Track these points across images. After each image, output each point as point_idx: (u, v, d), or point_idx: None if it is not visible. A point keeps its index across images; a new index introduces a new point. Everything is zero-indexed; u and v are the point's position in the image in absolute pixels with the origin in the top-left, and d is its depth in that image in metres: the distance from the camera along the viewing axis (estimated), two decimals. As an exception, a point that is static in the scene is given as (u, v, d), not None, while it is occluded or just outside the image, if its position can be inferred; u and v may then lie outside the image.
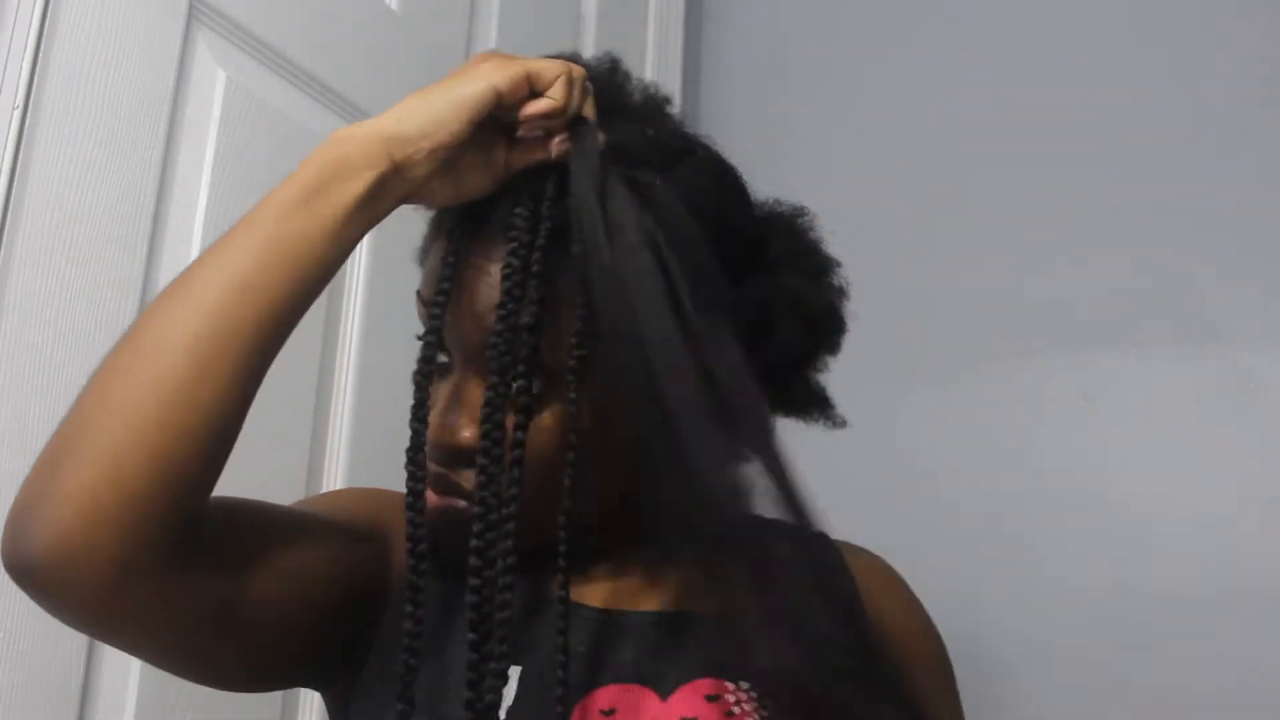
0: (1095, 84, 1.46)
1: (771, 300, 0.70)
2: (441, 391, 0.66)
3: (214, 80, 1.01)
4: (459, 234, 0.65)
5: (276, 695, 1.00)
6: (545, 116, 0.62)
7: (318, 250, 0.58)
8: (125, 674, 0.88)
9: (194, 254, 0.96)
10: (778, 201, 0.75)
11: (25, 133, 0.84)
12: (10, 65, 0.84)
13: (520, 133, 0.63)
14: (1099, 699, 1.25)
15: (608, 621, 0.67)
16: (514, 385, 0.60)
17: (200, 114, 0.99)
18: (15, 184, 0.83)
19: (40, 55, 0.85)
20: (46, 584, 0.52)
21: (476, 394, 0.63)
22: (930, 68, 1.57)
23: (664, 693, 0.65)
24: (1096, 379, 1.35)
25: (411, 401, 0.62)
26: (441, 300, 0.64)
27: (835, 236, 0.76)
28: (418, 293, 0.68)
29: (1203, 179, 1.36)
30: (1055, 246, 1.42)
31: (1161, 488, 1.30)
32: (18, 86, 0.84)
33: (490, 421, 0.59)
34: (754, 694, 0.64)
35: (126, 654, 0.87)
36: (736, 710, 0.64)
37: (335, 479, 1.08)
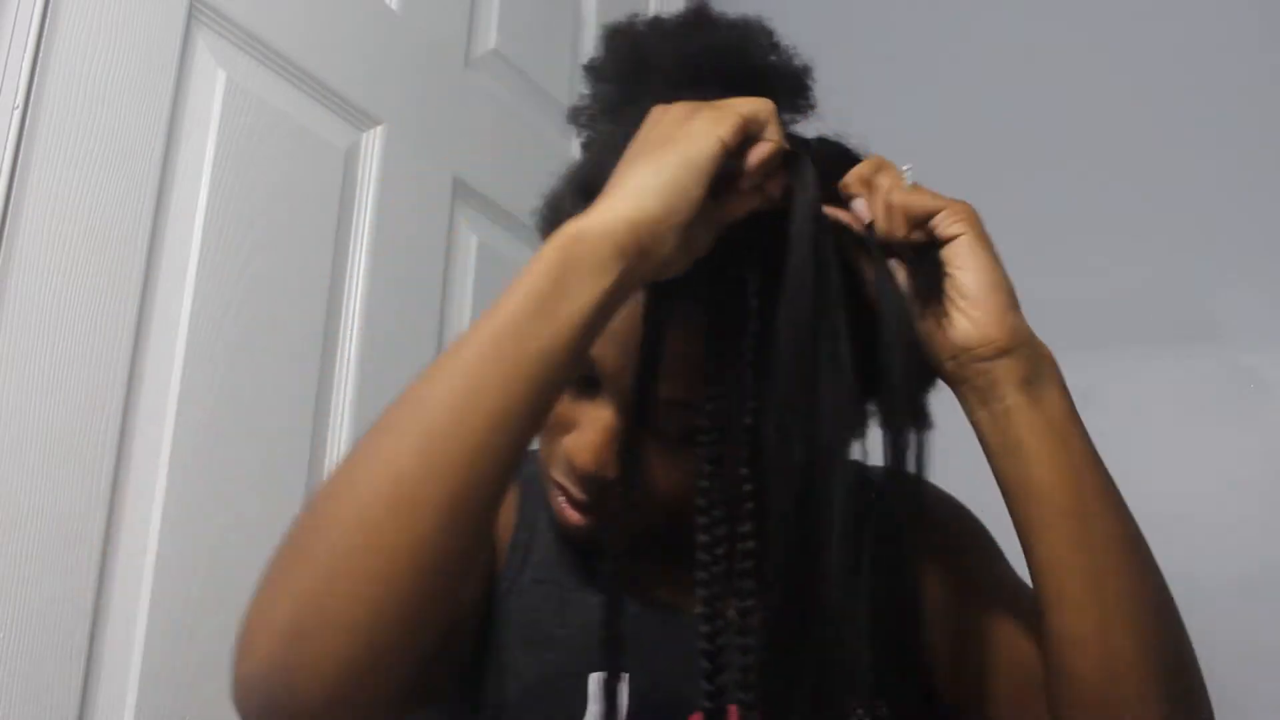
0: (1096, 84, 1.46)
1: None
2: (586, 413, 0.65)
3: (214, 80, 1.01)
4: (665, 292, 0.61)
5: (276, 695, 1.00)
6: (768, 161, 0.60)
7: (562, 367, 0.53)
8: (125, 674, 0.88)
9: (194, 254, 0.96)
10: None
11: (25, 133, 0.84)
12: (10, 65, 0.84)
13: (744, 185, 0.60)
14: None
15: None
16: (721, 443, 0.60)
17: (200, 114, 0.99)
18: (15, 184, 0.83)
19: (40, 55, 0.85)
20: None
21: (618, 427, 0.64)
22: (930, 68, 1.57)
23: None
24: (1096, 379, 1.35)
25: None
26: (649, 359, 0.61)
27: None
28: (592, 354, 0.64)
29: (1203, 179, 1.36)
30: (1055, 246, 1.42)
31: (1161, 488, 1.30)
32: (18, 86, 0.84)
33: (629, 464, 0.61)
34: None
35: (126, 653, 0.88)
36: None
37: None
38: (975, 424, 0.64)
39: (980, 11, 1.57)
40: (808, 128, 0.74)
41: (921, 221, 0.65)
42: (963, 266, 0.64)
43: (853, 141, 0.73)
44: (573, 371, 0.55)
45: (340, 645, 0.48)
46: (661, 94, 0.63)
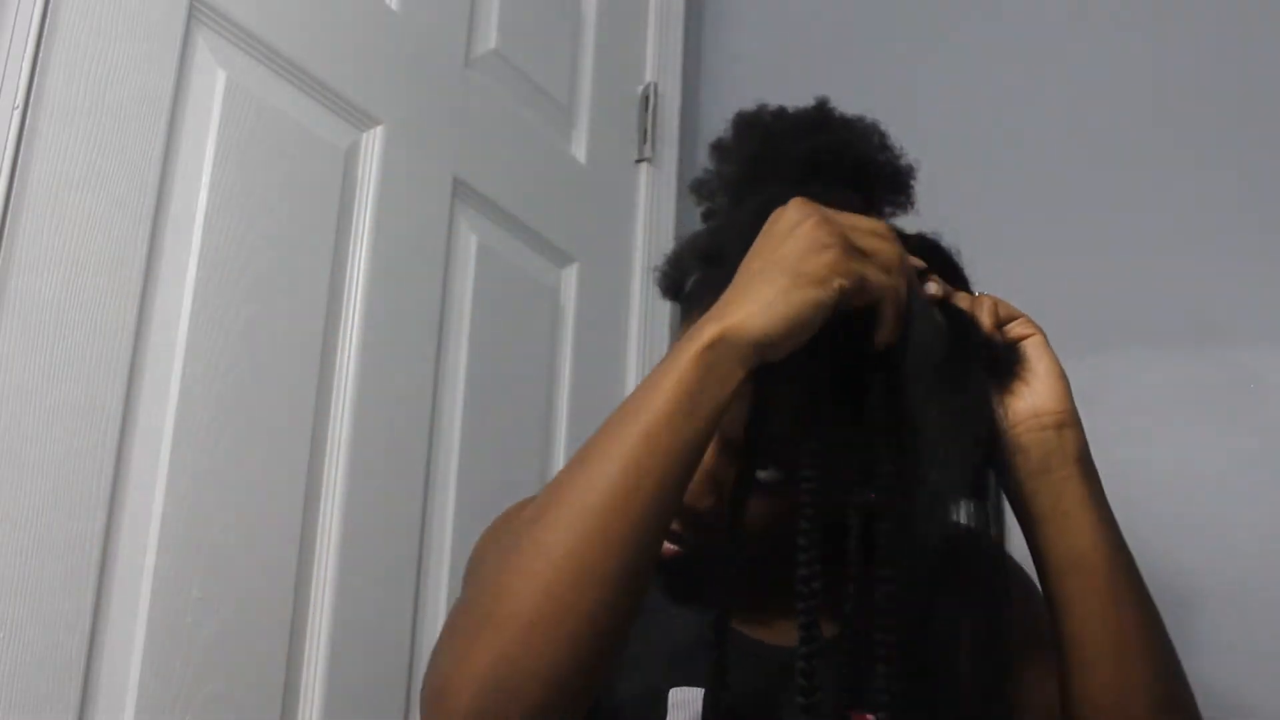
0: (1096, 84, 1.46)
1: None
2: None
3: (214, 80, 1.01)
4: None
5: (276, 696, 1.00)
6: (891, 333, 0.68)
7: (698, 455, 0.63)
8: (125, 674, 0.88)
9: (194, 254, 0.96)
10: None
11: (25, 133, 0.84)
12: (10, 65, 0.84)
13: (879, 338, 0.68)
14: (1099, 699, 1.24)
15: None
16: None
17: (200, 114, 0.99)
18: (15, 184, 0.83)
19: (40, 55, 0.85)
20: None
21: (715, 465, 0.72)
22: (931, 68, 1.57)
23: None
24: (1097, 379, 1.35)
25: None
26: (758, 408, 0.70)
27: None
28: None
29: (1204, 179, 1.36)
30: (1056, 246, 1.42)
31: (1161, 488, 1.30)
32: (18, 86, 0.84)
33: (807, 532, 0.66)
34: None
35: (126, 653, 0.88)
36: None
37: (335, 479, 1.08)
38: (1025, 492, 0.72)
39: (981, 11, 1.56)
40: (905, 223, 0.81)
41: (1004, 322, 0.76)
42: (1034, 357, 0.75)
43: (946, 240, 0.82)
44: (701, 458, 0.64)
45: (535, 694, 0.59)
46: (783, 182, 0.72)
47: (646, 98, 1.64)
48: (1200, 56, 1.41)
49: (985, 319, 0.74)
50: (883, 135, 0.82)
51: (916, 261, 0.71)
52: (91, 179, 0.88)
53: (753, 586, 0.75)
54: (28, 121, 0.84)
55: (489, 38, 1.36)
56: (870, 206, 0.77)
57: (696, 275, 0.78)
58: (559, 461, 1.39)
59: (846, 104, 1.69)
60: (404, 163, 1.21)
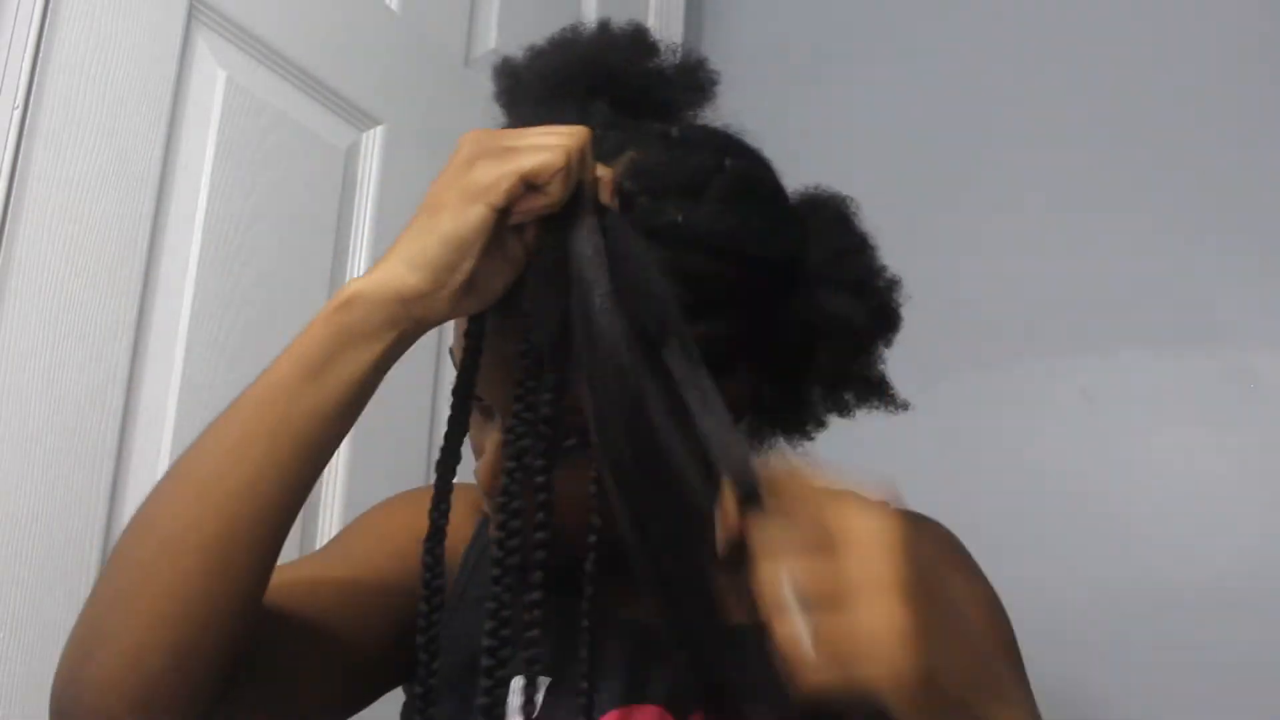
0: (1096, 83, 1.46)
1: (815, 321, 0.68)
2: (488, 437, 0.65)
3: (214, 80, 1.01)
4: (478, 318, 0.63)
5: (276, 695, 1.00)
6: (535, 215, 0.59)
7: (332, 425, 0.57)
8: (125, 674, 0.88)
9: (194, 254, 0.96)
10: (816, 192, 0.73)
11: (25, 133, 0.84)
12: (10, 65, 0.84)
13: (512, 221, 0.59)
14: (1096, 696, 1.24)
15: (649, 632, 0.66)
16: (526, 441, 0.59)
17: (200, 114, 0.99)
18: (15, 184, 0.83)
19: (40, 55, 0.85)
20: None
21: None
22: (930, 66, 1.57)
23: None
24: (1096, 379, 1.35)
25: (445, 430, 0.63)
26: (469, 366, 0.63)
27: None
28: (450, 350, 0.67)
29: (1204, 178, 1.36)
30: (1056, 246, 1.42)
31: (1161, 487, 1.30)
32: (18, 86, 0.84)
33: (509, 473, 0.58)
34: None
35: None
36: None
37: (336, 479, 1.08)
38: None
39: (982, 8, 1.56)
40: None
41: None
42: None
43: (735, 132, 0.71)
44: (345, 427, 0.58)
45: (113, 668, 0.54)
46: (530, 115, 0.66)
47: (646, 98, 1.64)
48: (1200, 56, 1.41)
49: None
50: (645, 38, 0.73)
51: (603, 170, 0.61)
52: (91, 179, 0.88)
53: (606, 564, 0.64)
54: (28, 121, 0.84)
55: (489, 38, 1.37)
56: (642, 112, 0.69)
57: None
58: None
59: (846, 101, 1.69)
60: (404, 163, 1.21)
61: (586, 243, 0.57)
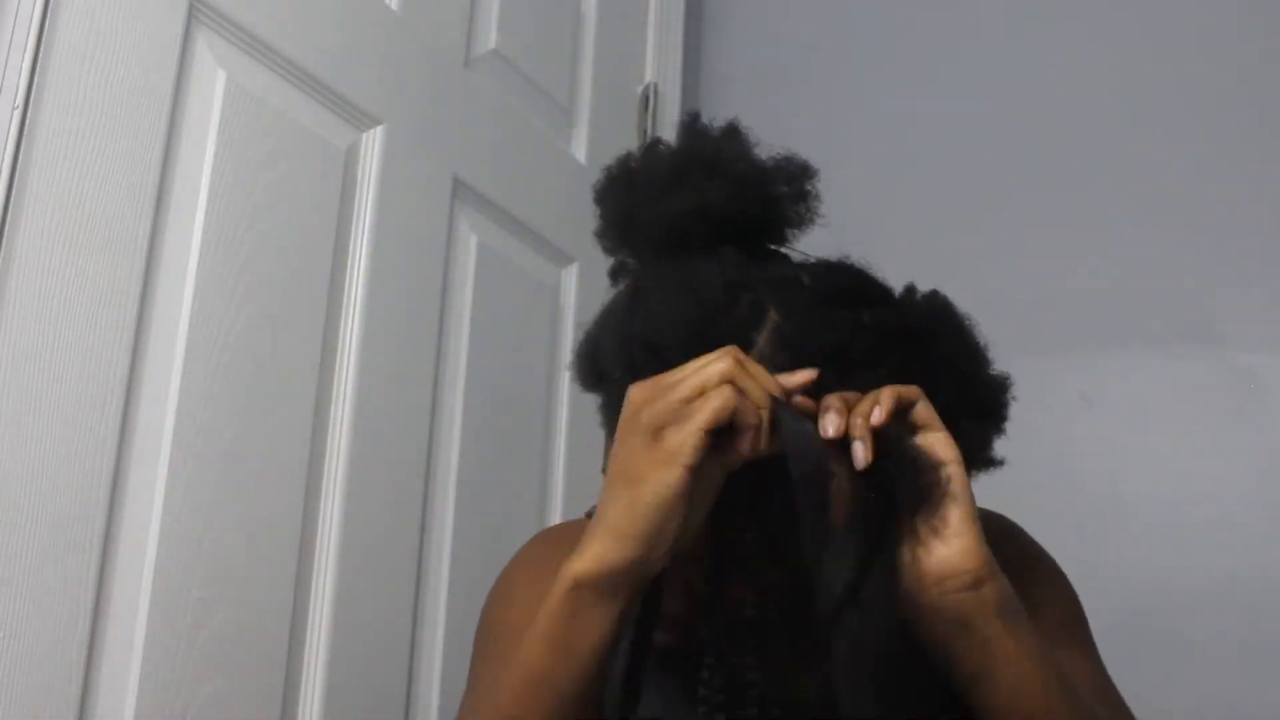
0: (1096, 84, 1.46)
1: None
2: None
3: (214, 80, 1.01)
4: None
5: (276, 695, 1.00)
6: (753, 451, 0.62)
7: (584, 685, 0.64)
8: (125, 674, 0.88)
9: (194, 254, 0.96)
10: (922, 307, 0.75)
11: (25, 133, 0.84)
12: (10, 65, 0.84)
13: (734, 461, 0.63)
14: (1099, 699, 1.24)
15: None
16: None
17: (200, 114, 0.99)
18: (15, 184, 0.83)
19: (40, 55, 0.85)
20: None
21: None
22: (931, 68, 1.57)
23: None
24: (1096, 379, 1.35)
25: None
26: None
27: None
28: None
29: (1204, 179, 1.36)
30: (1056, 246, 1.42)
31: (1161, 488, 1.30)
32: (18, 86, 0.84)
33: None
34: None
35: (126, 654, 0.88)
36: None
37: (335, 479, 1.08)
38: (950, 654, 0.65)
39: (982, 10, 1.56)
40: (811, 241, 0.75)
41: (904, 410, 0.65)
42: (948, 500, 0.64)
43: (852, 258, 0.73)
44: (602, 682, 0.65)
45: None
46: (649, 250, 0.70)
47: (646, 98, 1.64)
48: (1203, 56, 1.41)
49: (881, 412, 0.63)
50: (749, 162, 0.73)
51: (788, 380, 0.64)
52: (91, 179, 0.88)
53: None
54: (28, 121, 0.84)
55: (489, 38, 1.36)
56: (757, 246, 0.72)
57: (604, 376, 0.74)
58: (559, 464, 1.39)
59: (847, 102, 1.69)
60: (404, 163, 1.21)
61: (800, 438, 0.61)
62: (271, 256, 1.04)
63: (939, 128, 1.53)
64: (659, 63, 1.67)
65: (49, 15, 0.86)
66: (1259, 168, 1.34)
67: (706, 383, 0.61)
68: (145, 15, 0.94)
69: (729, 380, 0.61)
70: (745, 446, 0.61)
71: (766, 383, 0.62)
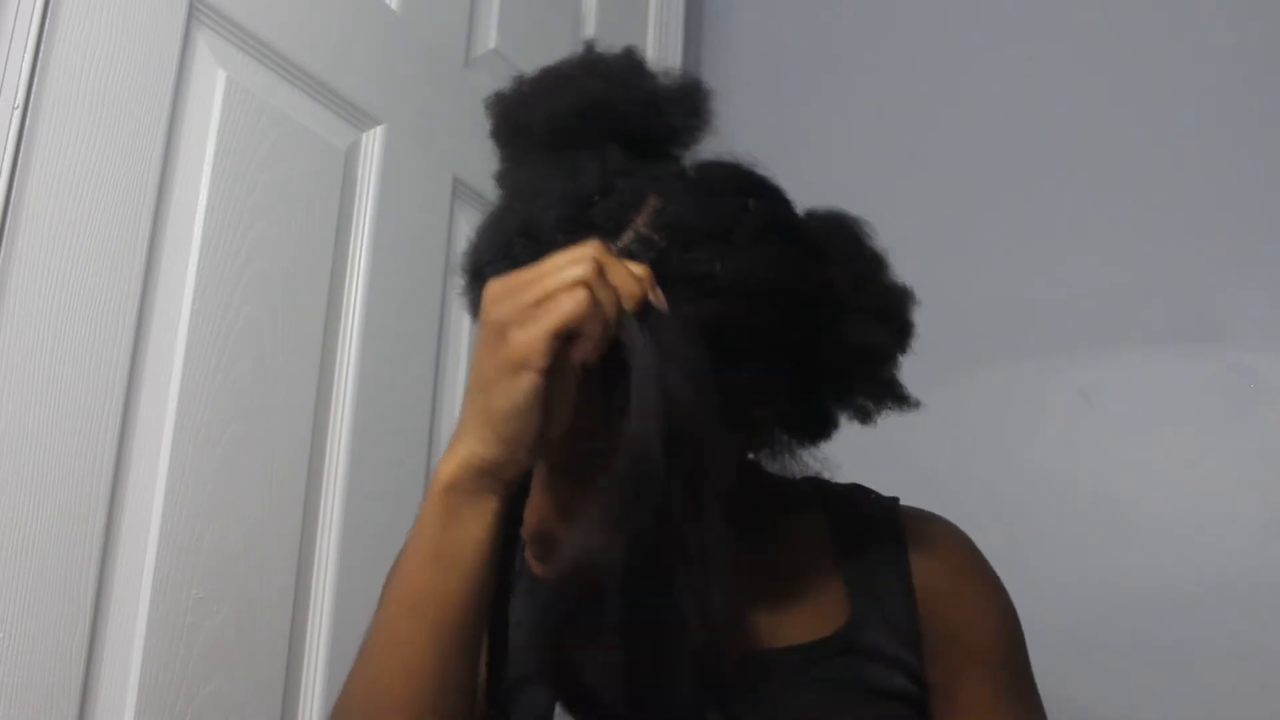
0: (1095, 84, 1.46)
1: (846, 349, 0.70)
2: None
3: (214, 80, 1.01)
4: None
5: (276, 695, 1.00)
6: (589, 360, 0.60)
7: (477, 581, 0.62)
8: (125, 674, 0.88)
9: (194, 254, 0.97)
10: (830, 215, 0.74)
11: (25, 133, 0.84)
12: (10, 65, 0.84)
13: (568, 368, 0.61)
14: (1097, 698, 1.24)
15: None
16: None
17: (200, 114, 0.99)
18: (15, 184, 0.83)
19: (40, 55, 0.85)
20: None
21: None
22: (930, 69, 1.57)
23: None
24: (1096, 379, 1.35)
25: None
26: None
27: (835, 236, 0.76)
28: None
29: (1204, 179, 1.36)
30: (1055, 246, 1.42)
31: (1161, 488, 1.30)
32: (18, 86, 0.84)
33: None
34: None
35: (126, 653, 0.88)
36: None
37: (335, 478, 1.08)
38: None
39: (982, 12, 1.56)
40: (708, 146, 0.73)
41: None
42: None
43: (735, 157, 0.71)
44: (492, 575, 0.63)
45: None
46: (540, 164, 0.68)
47: (646, 98, 1.64)
48: (1203, 56, 1.41)
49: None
50: (641, 70, 0.73)
51: (636, 268, 0.61)
52: (91, 179, 0.88)
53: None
54: (28, 121, 0.84)
55: (489, 38, 1.37)
56: (650, 147, 0.70)
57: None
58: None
59: (846, 102, 1.69)
60: (404, 163, 1.21)
61: (642, 360, 0.59)
62: (271, 256, 1.04)
63: (939, 127, 1.53)
64: (659, 63, 1.67)
65: (49, 15, 0.86)
66: (1259, 168, 1.34)
67: (560, 285, 0.58)
68: (145, 15, 0.94)
69: (583, 284, 0.58)
70: (578, 354, 0.59)
71: (628, 289, 0.60)
